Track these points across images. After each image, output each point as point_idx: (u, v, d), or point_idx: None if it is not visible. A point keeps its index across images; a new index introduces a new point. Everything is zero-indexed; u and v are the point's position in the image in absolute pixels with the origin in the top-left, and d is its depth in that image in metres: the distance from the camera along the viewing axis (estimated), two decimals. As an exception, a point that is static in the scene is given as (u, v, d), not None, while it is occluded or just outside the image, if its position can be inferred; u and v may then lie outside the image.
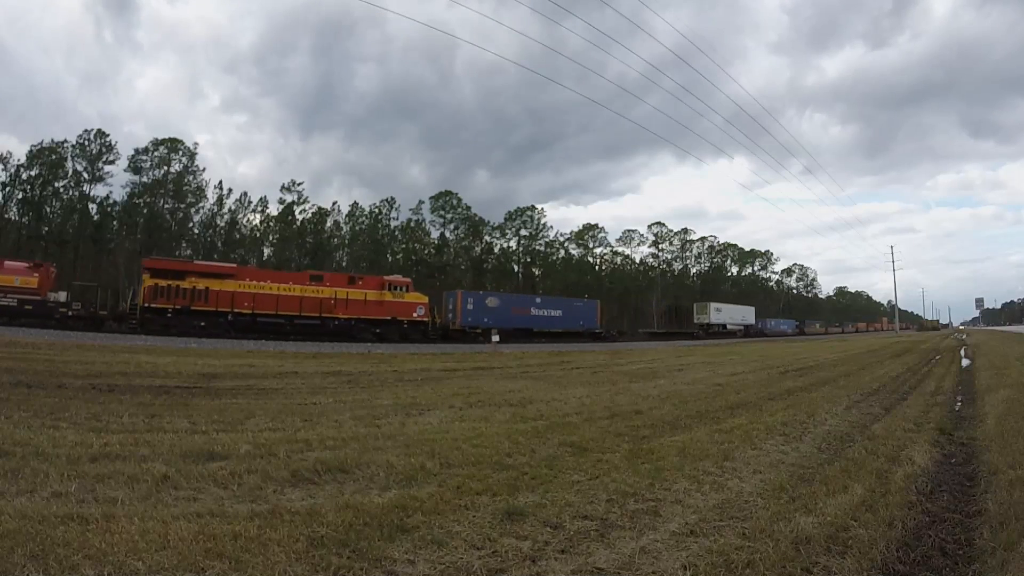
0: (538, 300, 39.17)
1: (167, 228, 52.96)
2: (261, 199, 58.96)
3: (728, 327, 58.39)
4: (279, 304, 25.11)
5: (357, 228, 62.45)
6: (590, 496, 4.01)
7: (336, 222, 61.90)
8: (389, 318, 27.21)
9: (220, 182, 58.34)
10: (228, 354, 16.03)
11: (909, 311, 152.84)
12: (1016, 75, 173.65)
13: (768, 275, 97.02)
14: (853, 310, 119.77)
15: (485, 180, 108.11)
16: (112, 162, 51.17)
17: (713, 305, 58.60)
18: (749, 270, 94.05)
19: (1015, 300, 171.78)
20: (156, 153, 52.94)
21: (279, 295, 25.22)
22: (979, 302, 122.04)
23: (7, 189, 47.96)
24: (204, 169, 57.52)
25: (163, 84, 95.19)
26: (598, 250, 75.92)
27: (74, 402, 6.99)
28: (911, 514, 3.84)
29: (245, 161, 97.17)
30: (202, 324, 23.80)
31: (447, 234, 66.11)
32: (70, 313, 23.64)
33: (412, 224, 64.43)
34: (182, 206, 54.41)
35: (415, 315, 28.00)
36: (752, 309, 66.38)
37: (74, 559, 2.63)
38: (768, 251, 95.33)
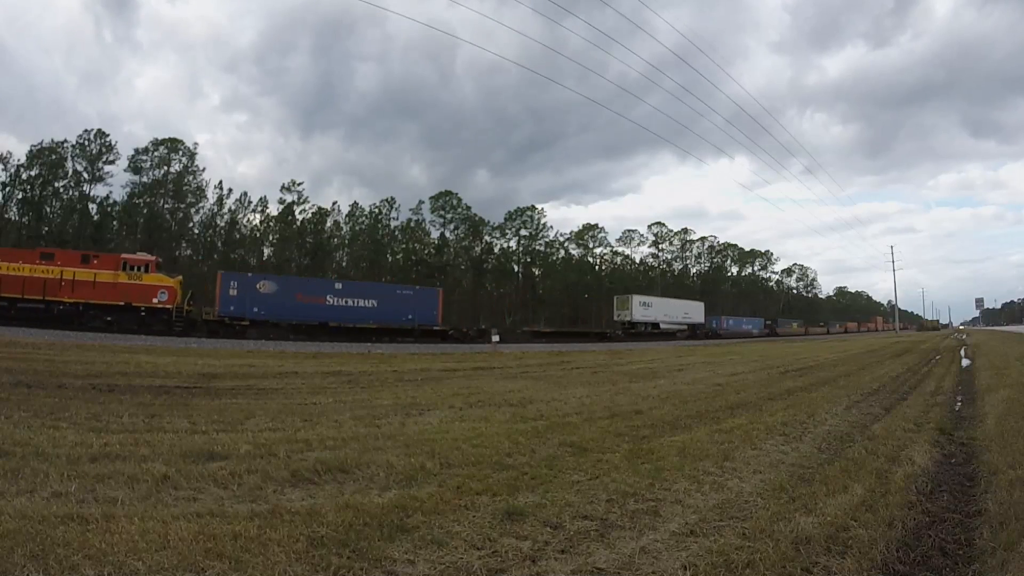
0: (339, 286, 30.75)
1: (167, 228, 52.98)
2: (261, 199, 59.07)
3: (663, 326, 47.59)
4: (1, 285, 21.87)
5: (357, 228, 62.47)
6: (590, 496, 4.01)
7: (336, 222, 61.95)
8: (123, 303, 23.46)
9: (220, 182, 58.39)
10: (228, 354, 16.03)
11: (909, 311, 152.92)
12: (1017, 75, 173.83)
13: (768, 275, 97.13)
14: (853, 310, 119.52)
15: (485, 180, 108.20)
16: (112, 162, 51.28)
17: (638, 298, 47.29)
18: (749, 270, 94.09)
19: (1015, 300, 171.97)
20: (156, 153, 53.01)
21: (1, 275, 22.02)
22: (979, 302, 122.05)
23: (7, 189, 48.04)
24: (204, 169, 57.61)
25: (163, 83, 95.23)
26: (598, 250, 76.04)
27: (74, 402, 6.99)
28: (911, 514, 3.84)
29: (245, 161, 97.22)
30: None
31: (447, 234, 66.20)
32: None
33: (412, 224, 64.50)
34: (182, 206, 54.45)
35: (155, 300, 23.89)
36: (700, 305, 56.12)
37: (74, 559, 2.63)
38: (768, 251, 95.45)
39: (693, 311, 53.98)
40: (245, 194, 58.30)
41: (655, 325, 47.14)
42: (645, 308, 47.07)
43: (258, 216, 58.78)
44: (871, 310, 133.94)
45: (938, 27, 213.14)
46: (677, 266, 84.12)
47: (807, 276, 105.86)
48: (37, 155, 48.49)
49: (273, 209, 59.09)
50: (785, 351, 27.45)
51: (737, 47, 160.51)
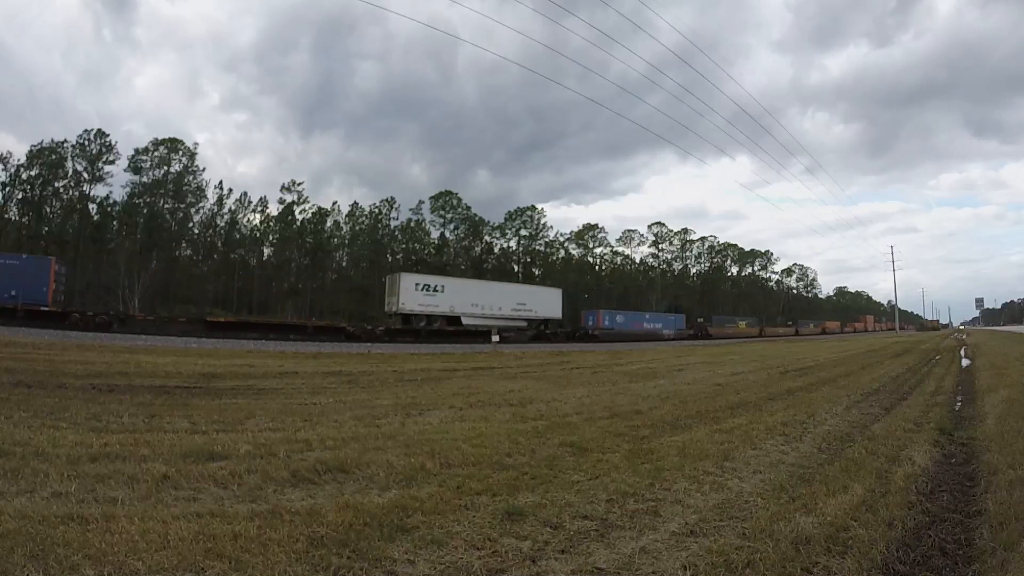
0: None
1: (167, 228, 53.02)
2: (261, 199, 59.14)
3: (468, 322, 32.81)
4: None
5: (357, 228, 62.51)
6: (590, 496, 4.01)
7: (336, 222, 62.01)
8: None
9: (220, 182, 58.47)
10: (228, 354, 16.03)
11: (909, 311, 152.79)
12: (1019, 74, 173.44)
13: (768, 275, 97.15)
14: (853, 310, 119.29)
15: (486, 179, 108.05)
16: (112, 162, 51.33)
17: (412, 279, 32.47)
18: (749, 270, 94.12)
19: (1015, 300, 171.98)
20: (156, 153, 53.04)
21: None
22: (979, 302, 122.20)
23: (7, 189, 48.08)
24: (204, 169, 57.65)
25: (162, 82, 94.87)
26: (598, 250, 76.11)
27: (74, 402, 6.99)
28: (911, 514, 3.84)
29: (245, 160, 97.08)
30: None
31: (447, 234, 66.28)
32: None
33: (412, 224, 64.58)
34: (182, 206, 54.50)
35: None
36: (554, 293, 39.85)
37: (74, 559, 2.63)
38: (768, 251, 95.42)
39: (538, 301, 37.87)
40: (245, 194, 58.45)
41: (452, 319, 32.67)
42: (430, 294, 32.06)
43: (258, 216, 58.91)
44: (871, 310, 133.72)
45: (940, 26, 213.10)
46: (677, 266, 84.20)
47: (807, 276, 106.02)
48: (37, 155, 48.53)
49: (273, 209, 59.23)
50: (785, 351, 27.46)
51: (739, 46, 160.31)
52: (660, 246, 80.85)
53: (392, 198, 64.24)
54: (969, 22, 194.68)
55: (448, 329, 32.06)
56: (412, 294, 31.45)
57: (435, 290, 32.44)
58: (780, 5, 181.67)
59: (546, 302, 38.68)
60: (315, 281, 57.68)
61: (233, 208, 57.37)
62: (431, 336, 30.02)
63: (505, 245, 70.00)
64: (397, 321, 31.71)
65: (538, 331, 36.75)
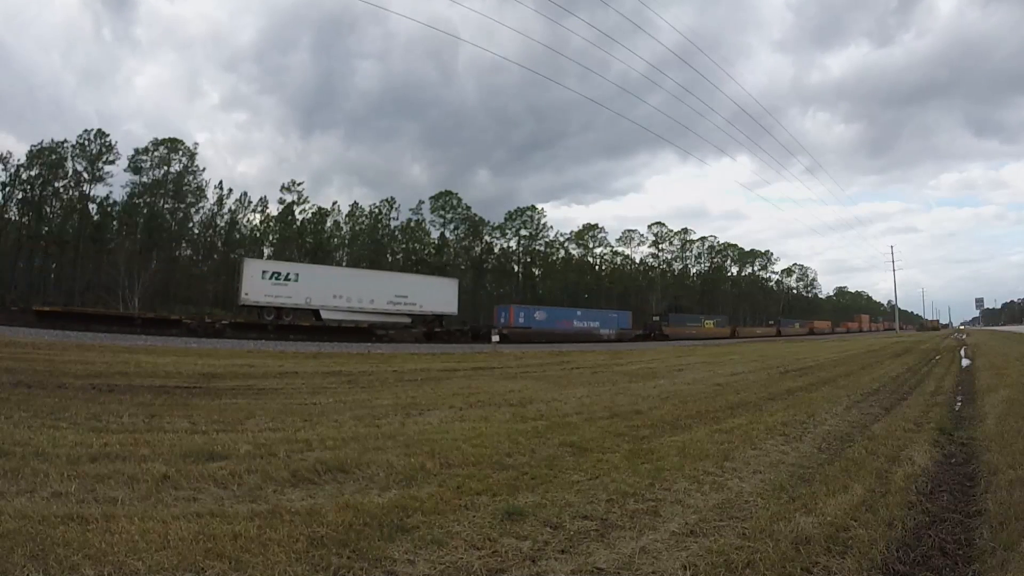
0: None
1: (167, 228, 53.00)
2: (261, 199, 59.06)
3: (328, 316, 29.00)
4: None
5: (357, 228, 62.48)
6: (590, 496, 4.01)
7: (336, 222, 61.97)
8: None
9: (220, 182, 58.43)
10: (228, 354, 16.03)
11: (909, 311, 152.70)
12: (1020, 73, 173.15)
13: (768, 275, 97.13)
14: (852, 310, 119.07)
15: (486, 179, 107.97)
16: (112, 162, 51.23)
17: (258, 266, 28.93)
18: (749, 270, 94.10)
19: (1015, 300, 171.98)
20: (156, 153, 53.00)
21: None
22: (979, 302, 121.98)
23: (7, 189, 48.00)
24: (204, 169, 57.61)
25: (162, 82, 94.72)
26: (598, 250, 76.07)
27: (74, 402, 6.99)
28: (911, 514, 3.84)
29: (245, 160, 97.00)
30: None
31: (447, 234, 66.24)
32: None
33: (412, 224, 64.54)
34: (182, 206, 54.46)
35: None
36: (448, 284, 35.27)
37: (74, 559, 2.63)
38: (768, 251, 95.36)
39: (426, 293, 32.42)
40: (245, 194, 58.39)
41: (310, 313, 28.81)
42: (280, 283, 27.65)
43: (258, 216, 58.86)
44: (870, 310, 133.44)
45: (941, 26, 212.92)
46: (677, 266, 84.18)
47: (807, 276, 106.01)
48: (37, 155, 48.48)
49: (273, 209, 59.17)
50: (785, 351, 27.46)
51: (740, 46, 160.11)
52: (660, 246, 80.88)
53: (392, 198, 64.29)
54: (970, 22, 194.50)
55: (303, 324, 28.36)
56: (258, 283, 27.19)
57: (287, 278, 27.97)
58: (781, 4, 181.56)
59: (436, 295, 32.98)
60: (315, 281, 57.56)
61: (233, 208, 57.39)
62: (284, 332, 26.77)
63: (505, 245, 70.04)
64: (243, 313, 28.56)
65: (429, 329, 32.29)
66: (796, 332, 67.18)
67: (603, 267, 76.55)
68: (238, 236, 57.35)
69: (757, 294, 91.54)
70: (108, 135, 51.27)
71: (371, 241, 61.65)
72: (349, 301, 29.48)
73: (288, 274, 28.35)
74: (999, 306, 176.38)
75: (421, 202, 65.39)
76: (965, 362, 20.16)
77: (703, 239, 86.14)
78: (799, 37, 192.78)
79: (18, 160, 48.05)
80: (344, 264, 60.35)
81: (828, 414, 7.91)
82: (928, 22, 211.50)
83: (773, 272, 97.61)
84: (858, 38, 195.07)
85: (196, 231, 56.26)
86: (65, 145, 49.65)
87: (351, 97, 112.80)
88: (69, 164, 49.87)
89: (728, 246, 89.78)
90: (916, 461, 5.25)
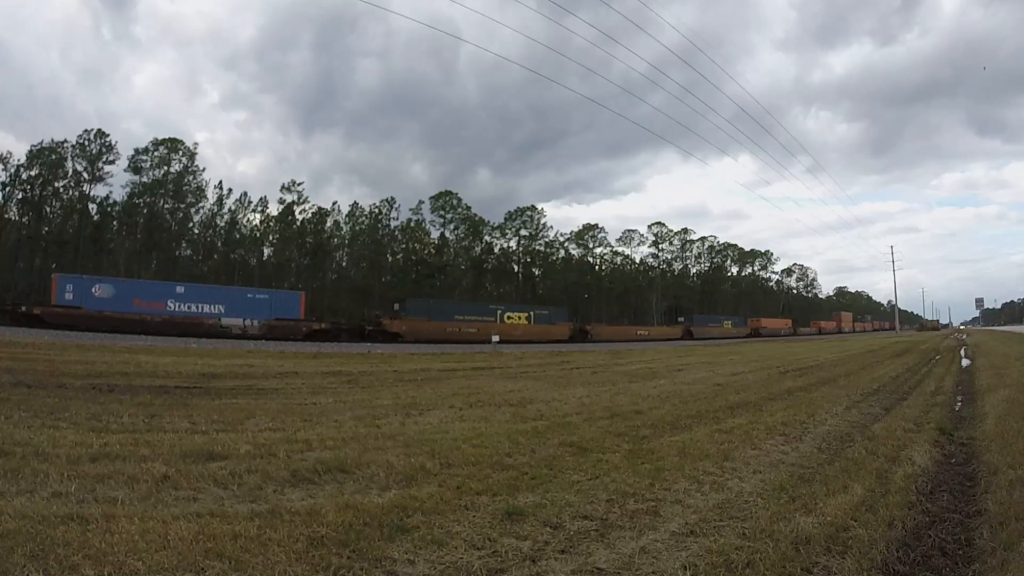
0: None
1: (167, 228, 52.99)
2: (261, 199, 59.05)
3: None
4: None
5: (357, 228, 62.46)
6: (590, 496, 4.01)
7: (336, 222, 61.95)
8: None
9: (220, 182, 58.34)
10: (228, 354, 16.03)
11: (909, 311, 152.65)
12: (1022, 73, 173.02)
13: (768, 275, 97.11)
14: (853, 310, 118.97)
15: (487, 179, 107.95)
16: (112, 162, 51.24)
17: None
18: (749, 270, 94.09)
19: (1015, 300, 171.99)
20: (156, 153, 52.97)
21: None
22: (979, 302, 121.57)
23: (7, 189, 48.02)
24: (204, 169, 57.55)
25: (161, 80, 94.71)
26: (598, 250, 76.04)
27: (74, 402, 6.99)
28: (911, 514, 3.84)
29: (245, 159, 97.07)
30: None
31: (447, 234, 66.19)
32: None
33: (412, 224, 64.48)
34: (182, 206, 54.44)
35: None
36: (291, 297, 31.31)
37: (74, 559, 2.63)
38: (768, 251, 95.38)
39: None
40: (245, 194, 58.37)
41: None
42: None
43: (258, 216, 58.84)
44: (870, 310, 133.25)
45: (945, 25, 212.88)
46: (677, 266, 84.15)
47: (807, 276, 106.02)
48: (37, 155, 48.49)
49: (273, 209, 59.15)
50: (785, 351, 27.46)
51: (742, 44, 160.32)
52: (660, 246, 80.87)
53: (392, 198, 64.23)
54: (973, 21, 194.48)
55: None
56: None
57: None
58: (784, 3, 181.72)
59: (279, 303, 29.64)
60: (315, 281, 57.66)
61: (233, 208, 57.37)
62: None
63: (505, 245, 70.00)
64: None
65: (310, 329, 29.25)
66: (775, 329, 61.51)
67: (603, 267, 76.54)
68: (238, 236, 57.35)
69: (757, 294, 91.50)
70: (108, 135, 51.34)
71: (371, 241, 61.63)
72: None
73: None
74: (999, 306, 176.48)
75: (421, 202, 65.41)
76: (965, 362, 20.15)
77: (703, 239, 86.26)
78: (802, 36, 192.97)
79: (18, 160, 48.13)
80: (345, 263, 60.30)
81: (828, 414, 7.91)
82: (931, 21, 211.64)
83: (773, 272, 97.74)
84: (861, 37, 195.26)
85: (196, 231, 56.25)
86: (65, 145, 49.71)
87: (351, 96, 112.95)
88: (69, 164, 49.92)
89: (728, 246, 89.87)
90: (916, 461, 5.25)
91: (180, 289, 28.36)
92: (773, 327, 65.66)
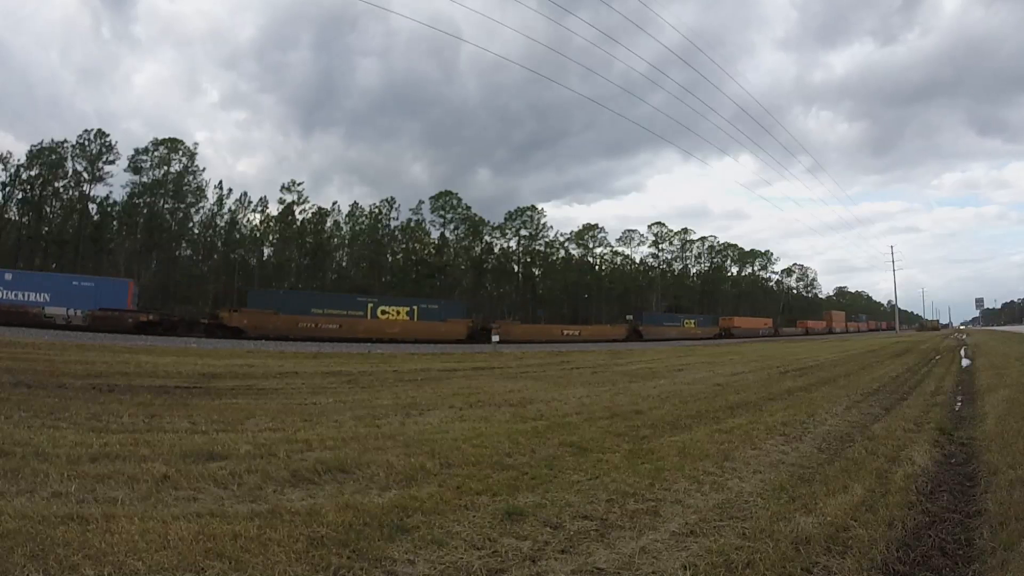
0: None
1: (167, 228, 53.00)
2: (261, 199, 59.12)
3: None
4: None
5: (357, 228, 62.47)
6: (590, 496, 4.01)
7: (336, 222, 61.99)
8: None
9: (220, 182, 58.46)
10: (228, 354, 16.03)
11: (909, 311, 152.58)
12: (1023, 73, 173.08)
13: (768, 275, 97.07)
14: (853, 310, 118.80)
15: (487, 178, 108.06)
16: (112, 162, 51.34)
17: None
18: (749, 270, 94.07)
19: (1015, 300, 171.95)
20: (156, 153, 53.03)
21: None
22: (979, 302, 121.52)
23: (7, 189, 48.09)
24: (204, 169, 57.62)
25: (161, 80, 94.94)
26: (598, 250, 76.08)
27: (74, 402, 6.99)
28: (911, 514, 3.84)
29: (244, 159, 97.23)
30: None
31: (447, 234, 66.24)
32: None
33: (412, 224, 64.51)
34: (182, 206, 54.46)
35: None
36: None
37: (74, 559, 2.63)
38: (768, 251, 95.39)
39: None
40: (245, 194, 58.44)
41: None
42: None
43: (258, 216, 58.86)
44: (870, 309, 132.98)
45: (946, 24, 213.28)
46: (677, 266, 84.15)
47: (807, 276, 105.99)
48: (37, 155, 48.54)
49: (273, 209, 59.18)
50: (785, 351, 27.46)
51: (743, 44, 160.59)
52: (660, 246, 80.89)
53: (392, 198, 64.29)
54: (975, 20, 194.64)
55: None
56: None
57: None
58: (785, 2, 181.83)
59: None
60: (315, 281, 57.67)
61: (233, 208, 57.43)
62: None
63: (505, 245, 70.03)
64: None
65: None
66: (668, 335, 46.47)
67: (603, 267, 76.54)
68: (238, 236, 57.36)
69: (757, 294, 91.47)
70: (108, 135, 51.42)
71: (371, 241, 61.63)
72: None
73: None
74: (999, 306, 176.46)
75: (421, 202, 65.48)
76: (965, 362, 20.15)
77: (703, 239, 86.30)
78: (802, 35, 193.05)
79: (18, 160, 48.18)
80: (345, 263, 60.29)
81: (828, 414, 7.91)
82: (932, 21, 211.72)
83: (773, 272, 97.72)
84: (862, 36, 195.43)
85: (196, 231, 56.27)
86: (65, 145, 49.79)
87: (352, 95, 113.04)
88: (69, 164, 49.99)
89: (728, 246, 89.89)
90: (916, 461, 5.25)
91: (8, 276, 26.46)
92: (749, 327, 57.57)
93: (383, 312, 32.92)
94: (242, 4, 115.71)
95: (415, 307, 34.28)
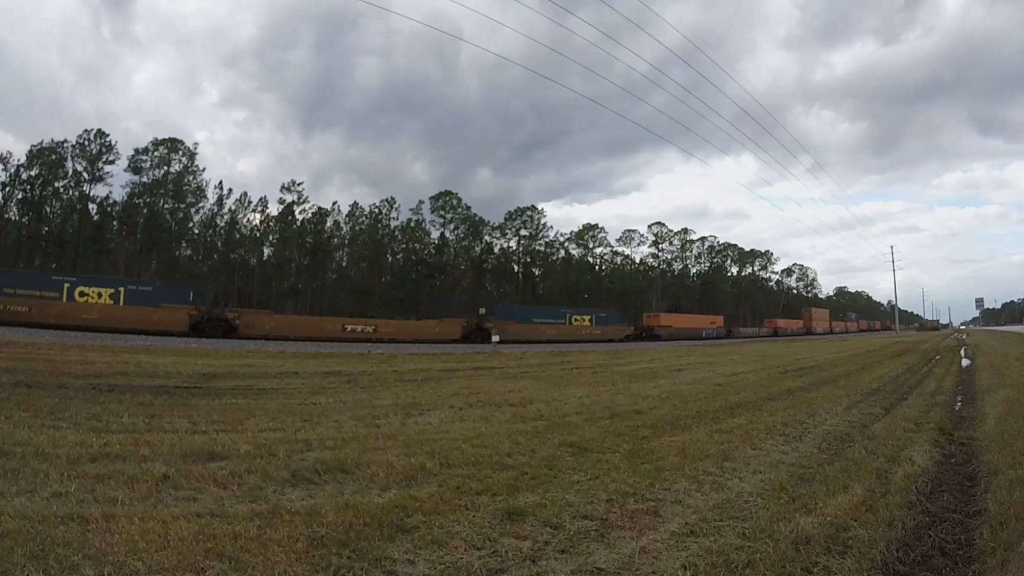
0: None
1: (167, 228, 52.99)
2: (261, 199, 59.07)
3: None
4: None
5: (357, 228, 62.45)
6: (590, 496, 4.01)
7: (336, 222, 61.95)
8: None
9: (220, 182, 58.37)
10: (228, 354, 16.03)
11: (909, 311, 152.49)
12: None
13: (768, 275, 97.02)
14: (852, 310, 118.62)
15: (488, 178, 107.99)
16: (112, 162, 51.27)
17: None
18: (749, 270, 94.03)
19: (1015, 300, 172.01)
20: (156, 153, 53.02)
21: None
22: (979, 302, 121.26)
23: (7, 189, 48.03)
24: (204, 169, 57.55)
25: (161, 79, 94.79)
26: (598, 250, 76.03)
27: (74, 402, 6.98)
28: (911, 514, 3.84)
29: (244, 158, 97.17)
30: None
31: (447, 234, 66.17)
32: None
33: (412, 224, 64.47)
34: (182, 206, 54.45)
35: None
36: None
37: (74, 559, 2.63)
38: (768, 251, 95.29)
39: None
40: (245, 194, 58.38)
41: None
42: None
43: (258, 216, 58.83)
44: (871, 309, 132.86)
45: (947, 24, 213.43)
46: (677, 266, 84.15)
47: (807, 276, 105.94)
48: (37, 155, 48.49)
49: (273, 209, 59.15)
50: (785, 351, 27.47)
51: (744, 44, 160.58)
52: (660, 246, 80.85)
53: (392, 198, 64.24)
54: (976, 20, 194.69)
55: None
56: None
57: None
58: (786, 2, 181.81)
59: None
60: (315, 281, 57.67)
61: (233, 208, 57.37)
62: None
63: (505, 245, 69.99)
64: None
65: None
66: (530, 335, 34.86)
67: (603, 267, 76.52)
68: (238, 236, 57.33)
69: (757, 294, 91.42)
70: (108, 135, 51.37)
71: (371, 241, 61.62)
72: None
73: None
74: (999, 306, 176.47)
75: (421, 202, 65.41)
76: (965, 362, 20.15)
77: (703, 239, 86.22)
78: (804, 35, 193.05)
79: (18, 160, 48.14)
80: (345, 263, 60.25)
81: (828, 414, 7.91)
82: (934, 20, 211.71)
83: (773, 272, 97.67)
84: (864, 36, 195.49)
85: (196, 231, 56.25)
86: (65, 145, 49.73)
87: (352, 94, 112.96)
88: (69, 164, 49.93)
89: (728, 246, 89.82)
90: (916, 461, 5.25)
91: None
92: (684, 326, 43.30)
93: (81, 294, 25.80)
94: (242, 3, 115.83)
95: (121, 288, 26.69)
